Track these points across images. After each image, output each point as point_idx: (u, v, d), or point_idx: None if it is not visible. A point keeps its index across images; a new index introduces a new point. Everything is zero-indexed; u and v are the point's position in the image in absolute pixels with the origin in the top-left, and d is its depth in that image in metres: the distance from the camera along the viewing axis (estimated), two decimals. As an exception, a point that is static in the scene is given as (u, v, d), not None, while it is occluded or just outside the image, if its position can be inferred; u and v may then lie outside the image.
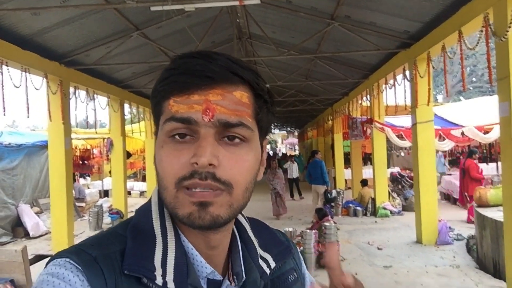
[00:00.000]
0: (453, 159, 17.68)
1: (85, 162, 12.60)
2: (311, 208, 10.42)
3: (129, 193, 15.65)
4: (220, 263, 0.73)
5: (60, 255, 0.63)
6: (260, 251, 0.78)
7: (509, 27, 4.30)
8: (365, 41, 7.94)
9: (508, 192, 4.70)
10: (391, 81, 9.23)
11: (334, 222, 7.35)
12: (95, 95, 9.44)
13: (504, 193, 4.86)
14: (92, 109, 9.27)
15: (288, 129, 38.91)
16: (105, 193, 13.49)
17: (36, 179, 9.32)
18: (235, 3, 4.88)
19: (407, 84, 8.18)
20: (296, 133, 39.98)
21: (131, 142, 13.55)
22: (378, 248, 7.32)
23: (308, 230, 6.44)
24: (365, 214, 10.71)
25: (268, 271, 0.76)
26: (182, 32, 8.37)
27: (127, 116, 13.49)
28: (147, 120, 13.14)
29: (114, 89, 10.23)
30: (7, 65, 6.13)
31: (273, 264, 0.77)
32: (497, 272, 5.64)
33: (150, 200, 0.73)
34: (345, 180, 16.09)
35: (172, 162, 0.64)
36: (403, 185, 13.06)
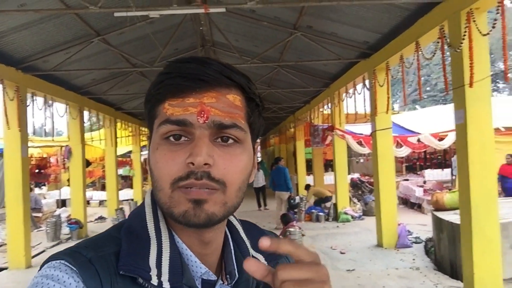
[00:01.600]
0: (410, 165, 18.35)
1: (42, 171, 12.16)
2: (274, 214, 10.51)
3: (88, 202, 15.22)
4: (214, 263, 0.74)
5: (54, 257, 0.64)
6: (252, 251, 0.79)
7: (463, 38, 4.55)
8: (327, 50, 8.13)
9: (464, 196, 4.94)
10: (351, 90, 9.49)
11: (299, 228, 7.45)
12: (53, 102, 9.15)
13: (460, 197, 5.09)
14: (49, 116, 8.98)
15: (250, 136, 39.08)
16: (63, 203, 13.06)
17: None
18: (200, 11, 4.90)
19: (367, 92, 8.45)
20: (258, 141, 40.15)
21: (90, 150, 13.18)
22: (341, 253, 7.48)
23: (273, 236, 6.50)
24: (327, 220, 10.90)
25: None
26: (145, 39, 8.28)
27: (87, 124, 13.13)
28: (107, 128, 12.87)
29: (73, 95, 9.95)
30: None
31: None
32: (454, 273, 5.89)
33: (143, 202, 0.74)
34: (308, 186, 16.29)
35: (168, 163, 0.65)
36: (363, 190, 13.40)
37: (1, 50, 6.67)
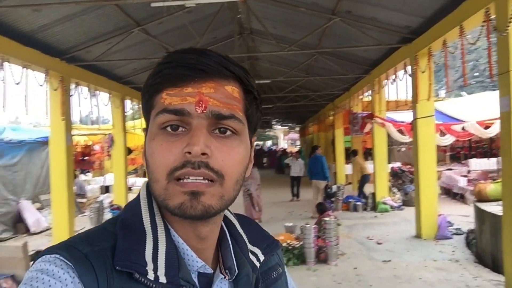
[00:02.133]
0: (454, 154, 17.70)
1: (86, 158, 12.63)
2: (311, 203, 10.45)
3: (130, 189, 15.71)
4: (210, 257, 0.74)
5: (49, 251, 0.63)
6: (249, 246, 0.79)
7: (510, 22, 4.30)
8: (366, 36, 7.93)
9: (507, 186, 4.72)
10: (392, 76, 9.22)
11: (335, 217, 7.38)
12: (98, 92, 9.45)
13: (504, 187, 4.87)
14: (95, 105, 9.30)
15: (290, 124, 38.87)
16: (106, 189, 13.52)
17: (37, 175, 9.35)
18: (235, -1, 4.88)
19: (409, 79, 8.19)
20: (297, 129, 39.93)
21: (133, 138, 13.57)
22: (378, 243, 7.36)
23: (307, 225, 6.47)
24: (365, 209, 10.74)
25: (258, 264, 0.78)
26: (183, 28, 8.37)
27: (130, 112, 13.49)
28: (148, 116, 13.17)
29: (115, 85, 10.24)
30: (8, 62, 6.13)
31: (262, 258, 0.79)
32: (496, 266, 5.67)
33: (138, 195, 0.74)
34: (346, 175, 16.10)
35: (164, 154, 0.64)
36: (404, 180, 13.08)
37: (45, 41, 6.93)
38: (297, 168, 13.32)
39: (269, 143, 53.64)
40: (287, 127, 42.65)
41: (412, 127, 8.05)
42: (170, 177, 0.64)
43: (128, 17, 7.21)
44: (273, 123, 34.74)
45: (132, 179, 16.55)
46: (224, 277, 0.73)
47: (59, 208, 7.68)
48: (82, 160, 12.70)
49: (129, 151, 11.67)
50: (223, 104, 0.66)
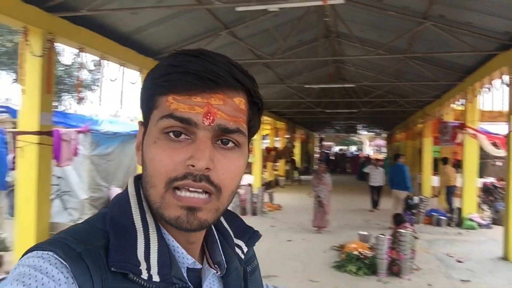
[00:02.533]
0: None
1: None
2: (390, 213, 10.08)
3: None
4: (197, 253, 0.74)
5: (42, 247, 0.60)
6: (234, 239, 0.80)
7: None
8: (460, 41, 7.50)
9: None
10: (488, 85, 8.58)
11: (413, 230, 7.06)
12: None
13: None
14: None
15: (376, 130, 37.70)
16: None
17: (127, 165, 10.07)
18: (319, 3, 4.89)
19: (506, 88, 7.57)
20: (383, 135, 38.58)
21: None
22: (458, 261, 6.91)
23: (382, 236, 6.27)
24: (449, 225, 10.10)
25: (243, 257, 0.79)
26: (269, 31, 8.54)
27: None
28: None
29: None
30: (107, 60, 6.73)
31: (246, 250, 0.81)
32: None
33: (126, 191, 0.72)
34: (432, 187, 15.25)
35: (166, 161, 0.64)
36: (496, 196, 12.08)
37: (141, 42, 7.49)
38: (377, 177, 12.64)
39: (353, 148, 52.44)
40: (373, 133, 41.40)
41: (507, 140, 7.43)
42: (168, 186, 0.64)
43: (217, 20, 7.54)
44: (358, 128, 33.94)
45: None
46: (216, 272, 0.74)
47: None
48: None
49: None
50: (230, 117, 0.65)
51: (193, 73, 0.64)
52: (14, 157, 5.73)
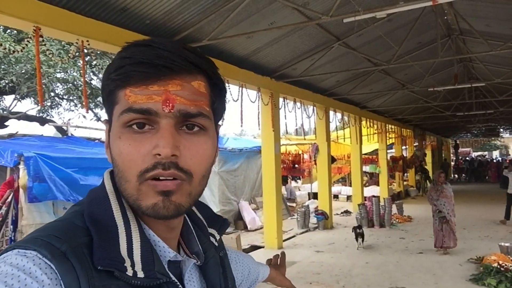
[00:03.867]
0: None
1: (296, 166, 13.65)
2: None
3: (336, 196, 16.23)
4: (175, 245, 0.75)
5: (25, 246, 0.59)
6: (208, 228, 0.83)
7: None
8: None
9: None
10: None
11: None
12: (305, 105, 10.26)
13: None
14: (307, 117, 10.14)
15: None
16: (314, 195, 14.34)
17: (253, 179, 10.67)
18: (428, 4, 4.71)
19: None
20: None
21: (338, 147, 14.06)
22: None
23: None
24: None
25: (216, 244, 0.82)
26: (382, 38, 8.38)
27: (334, 123, 14.04)
28: (352, 126, 13.49)
29: (319, 97, 10.88)
30: (228, 83, 7.30)
31: (218, 237, 0.84)
32: None
33: (103, 188, 0.71)
34: None
35: (133, 154, 0.64)
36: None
37: (257, 63, 7.95)
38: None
39: (495, 153, 47.25)
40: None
41: None
42: (141, 179, 0.64)
43: (328, 33, 7.67)
44: (499, 130, 30.60)
45: (337, 187, 17.11)
46: (197, 262, 0.75)
47: (269, 209, 8.60)
48: (293, 168, 13.76)
49: (333, 159, 12.15)
50: (190, 102, 0.65)
51: (146, 62, 0.63)
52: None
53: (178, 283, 0.68)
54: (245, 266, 1.11)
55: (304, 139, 11.96)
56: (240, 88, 7.75)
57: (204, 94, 0.67)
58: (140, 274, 0.62)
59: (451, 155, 35.79)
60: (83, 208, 0.68)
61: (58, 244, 0.59)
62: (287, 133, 13.71)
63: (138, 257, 0.64)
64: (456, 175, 28.85)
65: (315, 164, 12.10)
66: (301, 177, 16.26)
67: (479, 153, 42.28)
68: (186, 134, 0.66)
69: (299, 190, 15.78)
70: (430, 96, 13.73)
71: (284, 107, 9.25)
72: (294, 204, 13.26)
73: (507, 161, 30.08)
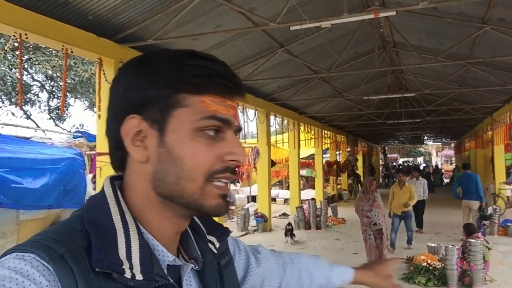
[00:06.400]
0: None
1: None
2: (461, 225, 9.66)
3: (274, 199, 16.50)
4: (175, 250, 0.77)
5: (23, 249, 0.59)
6: (207, 236, 0.85)
7: None
8: (524, 43, 7.19)
9: None
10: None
11: (486, 241, 6.77)
12: (245, 108, 10.34)
13: None
14: (244, 121, 10.18)
15: (443, 140, 36.17)
16: (253, 199, 14.49)
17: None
18: (370, 16, 4.98)
19: None
20: (452, 145, 36.91)
21: (277, 151, 14.31)
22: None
23: (451, 246, 6.10)
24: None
25: (215, 251, 0.83)
26: (323, 46, 8.68)
27: (274, 127, 14.28)
28: (291, 131, 13.80)
29: (261, 102, 11.03)
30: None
31: (218, 245, 0.85)
32: None
33: (102, 193, 0.72)
34: (507, 197, 14.38)
35: (206, 156, 0.68)
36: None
37: (202, 65, 7.89)
38: (419, 190, 10.26)
39: (419, 159, 50.48)
40: (440, 143, 39.74)
41: None
42: (208, 178, 0.68)
43: (272, 39, 7.82)
44: (424, 138, 32.76)
45: (275, 191, 17.38)
46: (194, 266, 0.77)
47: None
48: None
49: (272, 163, 12.35)
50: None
51: (231, 80, 0.71)
52: (94, 176, 6.26)
53: (177, 286, 0.70)
54: (274, 271, 1.06)
55: (245, 142, 12.03)
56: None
57: None
58: (139, 277, 0.64)
59: (380, 160, 37.69)
60: (83, 212, 0.69)
61: (56, 247, 0.60)
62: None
63: (136, 260, 0.65)
64: (386, 180, 30.39)
65: (255, 167, 12.24)
66: (240, 180, 16.34)
67: (405, 159, 44.90)
68: None
69: (238, 193, 15.86)
70: (364, 104, 14.39)
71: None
72: (233, 207, 13.30)
73: (430, 167, 32.23)
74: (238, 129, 0.74)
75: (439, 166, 34.02)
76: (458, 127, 21.03)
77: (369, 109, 14.73)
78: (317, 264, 1.17)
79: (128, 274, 0.63)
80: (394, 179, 21.09)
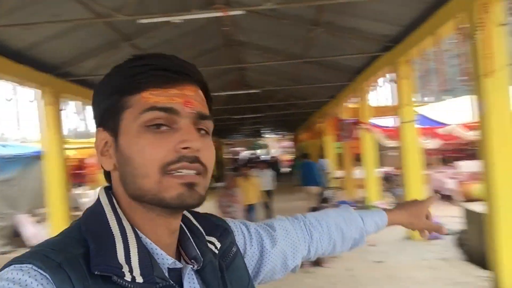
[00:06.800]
0: (443, 157, 17.95)
1: (80, 171, 12.73)
2: (303, 209, 10.60)
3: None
4: (174, 252, 0.77)
5: (20, 260, 0.60)
6: (206, 237, 0.84)
7: (477, 29, 4.55)
8: (349, 45, 8.19)
9: (488, 186, 4.94)
10: (376, 83, 9.50)
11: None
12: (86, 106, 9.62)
13: (484, 186, 5.09)
14: (82, 119, 9.47)
15: (282, 133, 39.13)
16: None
17: (32, 189, 9.42)
18: (219, 14, 5.10)
19: (393, 85, 8.45)
20: (290, 137, 40.19)
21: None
22: (370, 245, 7.54)
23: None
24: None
25: (216, 251, 0.82)
26: (171, 42, 8.59)
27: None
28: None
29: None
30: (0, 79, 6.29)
31: (219, 245, 0.84)
32: (484, 263, 5.85)
33: (98, 202, 0.73)
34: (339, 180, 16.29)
35: (156, 149, 0.67)
36: (395, 184, 13.30)
37: (38, 58, 7.07)
38: (266, 180, 10.42)
39: (260, 151, 53.67)
40: (278, 136, 42.90)
41: (398, 132, 8.30)
42: (163, 171, 0.67)
43: (116, 32, 7.41)
44: (264, 131, 34.97)
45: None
46: (193, 266, 0.76)
47: (56, 221, 7.76)
48: (76, 174, 12.79)
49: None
50: (203, 106, 0.73)
51: (165, 69, 0.70)
52: None
53: (178, 287, 0.71)
54: (298, 240, 1.03)
55: (89, 142, 11.22)
56: (16, 87, 6.78)
57: (205, 102, 0.76)
58: (139, 279, 0.64)
59: (227, 154, 38.93)
60: (80, 222, 0.71)
61: (54, 256, 0.61)
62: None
63: (136, 263, 0.65)
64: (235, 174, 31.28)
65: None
66: (84, 183, 15.20)
67: (250, 151, 47.20)
68: (199, 136, 0.72)
69: (82, 197, 14.69)
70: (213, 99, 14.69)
71: (68, 108, 8.52)
72: (79, 213, 12.28)
73: (272, 158, 34.54)
74: (200, 116, 0.72)
75: (278, 157, 36.69)
76: (294, 120, 23.02)
77: (216, 105, 15.13)
78: (346, 218, 1.12)
79: (128, 277, 0.63)
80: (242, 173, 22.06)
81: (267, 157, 36.64)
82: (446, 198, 12.14)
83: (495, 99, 4.69)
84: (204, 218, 0.88)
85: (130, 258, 0.65)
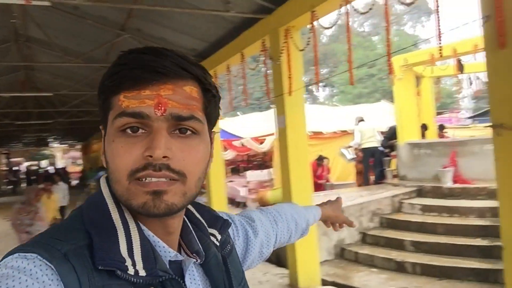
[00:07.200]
0: (234, 167, 19.47)
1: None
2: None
3: None
4: (176, 245, 0.76)
5: (25, 249, 0.59)
6: (208, 229, 0.84)
7: (281, 53, 5.12)
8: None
9: (286, 190, 5.53)
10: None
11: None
12: None
13: (283, 191, 5.67)
14: None
15: (70, 142, 36.04)
16: None
17: None
18: (21, 2, 4.40)
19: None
20: (78, 147, 37.36)
21: None
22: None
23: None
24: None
25: (218, 244, 0.83)
26: None
27: None
28: None
29: None
30: None
31: (219, 237, 0.85)
32: (280, 262, 6.53)
33: (99, 193, 0.72)
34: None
35: (125, 155, 0.65)
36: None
37: None
38: (60, 195, 9.32)
39: (44, 163, 48.33)
40: (66, 145, 39.48)
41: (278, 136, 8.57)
42: (131, 178, 0.65)
43: None
44: (49, 140, 31.67)
45: None
46: (196, 261, 0.76)
47: None
48: None
49: None
50: (183, 106, 0.67)
51: (139, 68, 0.65)
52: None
53: (180, 280, 0.69)
54: (270, 230, 1.09)
55: None
56: None
57: (196, 99, 0.69)
58: (142, 273, 0.64)
59: (4, 166, 33.92)
60: (82, 212, 0.70)
61: (59, 246, 0.60)
62: None
63: (138, 256, 0.65)
64: (13, 187, 27.69)
65: None
66: None
67: (31, 162, 42.11)
68: (179, 138, 0.68)
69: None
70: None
71: None
72: None
73: (59, 170, 31.52)
74: (177, 117, 0.67)
75: (67, 168, 33.71)
76: (86, 129, 21.51)
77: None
78: (297, 210, 1.22)
79: (131, 271, 0.63)
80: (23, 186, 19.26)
81: (53, 169, 33.29)
82: (241, 205, 13.17)
83: (294, 114, 5.34)
84: (205, 210, 0.88)
85: (133, 251, 0.65)
